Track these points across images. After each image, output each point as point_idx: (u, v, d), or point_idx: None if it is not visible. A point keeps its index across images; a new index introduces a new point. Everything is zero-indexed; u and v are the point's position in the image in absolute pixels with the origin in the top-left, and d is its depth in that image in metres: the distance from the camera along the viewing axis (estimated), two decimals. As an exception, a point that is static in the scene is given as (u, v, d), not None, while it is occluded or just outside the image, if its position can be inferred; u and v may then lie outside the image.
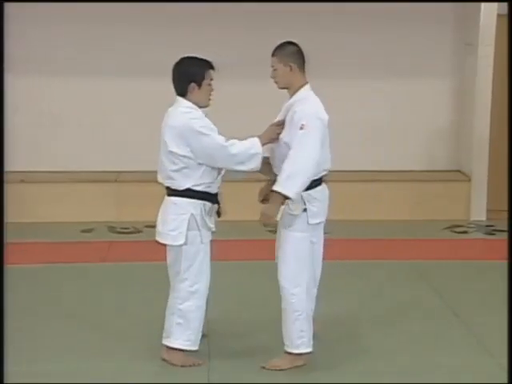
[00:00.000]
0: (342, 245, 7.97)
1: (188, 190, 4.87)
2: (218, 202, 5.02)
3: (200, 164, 4.85)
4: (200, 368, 5.03)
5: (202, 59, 4.93)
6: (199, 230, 4.91)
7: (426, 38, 9.17)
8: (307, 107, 4.86)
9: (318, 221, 4.98)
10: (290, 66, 4.92)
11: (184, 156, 4.81)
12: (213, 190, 4.96)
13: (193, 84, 4.86)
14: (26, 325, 5.76)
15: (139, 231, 8.27)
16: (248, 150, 4.87)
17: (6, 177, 8.05)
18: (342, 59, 9.04)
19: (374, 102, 9.21)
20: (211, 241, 5.04)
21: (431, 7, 8.98)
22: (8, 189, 8.64)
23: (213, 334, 5.54)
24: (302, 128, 4.78)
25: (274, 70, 4.96)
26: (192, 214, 4.88)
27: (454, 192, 9.06)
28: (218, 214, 5.05)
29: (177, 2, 8.69)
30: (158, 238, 5.02)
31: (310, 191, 4.90)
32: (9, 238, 7.96)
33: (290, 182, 4.77)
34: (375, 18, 9.03)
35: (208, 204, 4.94)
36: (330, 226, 8.26)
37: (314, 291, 5.22)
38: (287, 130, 4.89)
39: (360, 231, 8.45)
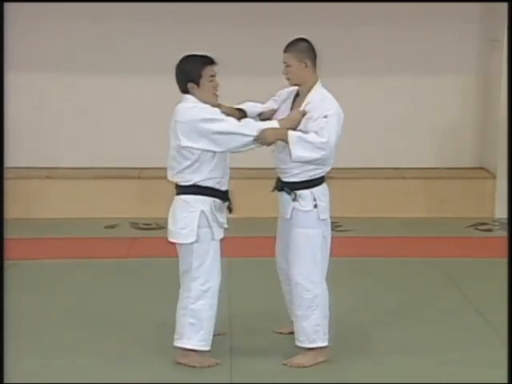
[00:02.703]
0: (365, 242, 7.98)
1: (197, 186, 4.84)
2: (228, 199, 4.98)
3: (212, 156, 4.81)
4: (222, 368, 5.00)
5: (199, 56, 4.87)
6: (210, 227, 4.87)
7: (452, 34, 9.12)
8: (331, 104, 4.90)
9: (327, 216, 5.02)
10: (306, 63, 4.92)
11: (198, 148, 4.77)
12: (222, 187, 4.92)
13: (191, 84, 4.82)
14: (39, 320, 5.80)
15: (162, 227, 8.24)
16: (261, 126, 4.84)
17: (26, 174, 8.09)
18: (365, 57, 9.00)
19: (398, 98, 9.17)
20: (222, 239, 5.00)
21: (456, 4, 8.92)
22: (33, 185, 8.75)
23: (234, 331, 5.54)
24: (326, 117, 4.81)
25: (288, 66, 4.94)
26: (202, 211, 4.84)
27: (478, 189, 9.01)
28: (230, 209, 5.00)
29: (180, 2, 8.73)
30: (169, 238, 4.99)
31: (318, 187, 4.97)
32: (31, 234, 8.07)
33: (304, 145, 4.77)
34: (400, 15, 8.99)
35: (218, 201, 4.90)
36: (353, 224, 8.37)
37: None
38: (304, 125, 4.88)
39: (383, 229, 8.42)
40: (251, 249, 7.55)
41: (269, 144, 4.86)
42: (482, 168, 9.33)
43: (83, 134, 9.16)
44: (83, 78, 9.02)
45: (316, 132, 4.81)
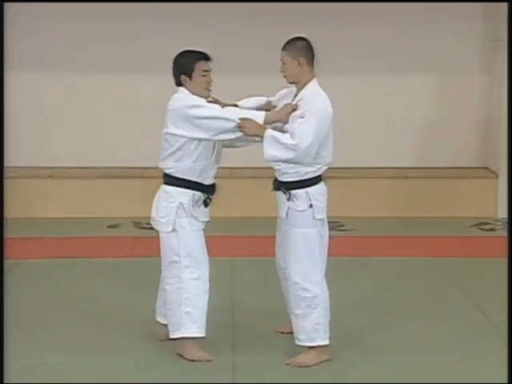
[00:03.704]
0: (367, 242, 7.97)
1: (178, 178, 4.95)
2: (211, 193, 5.06)
3: (196, 147, 4.90)
4: (225, 367, 4.99)
5: (193, 51, 5.00)
6: (188, 217, 4.98)
7: (454, 33, 9.12)
8: (316, 102, 4.91)
9: (323, 215, 5.02)
10: (299, 61, 4.95)
11: (183, 135, 4.88)
12: (205, 181, 5.01)
13: (183, 76, 4.95)
14: (39, 319, 5.79)
15: (165, 227, 8.26)
16: (244, 115, 4.89)
17: (29, 173, 8.10)
18: (368, 56, 9.00)
19: (401, 97, 9.16)
20: (210, 237, 5.09)
21: (458, 3, 8.91)
22: (35, 184, 8.75)
23: (236, 331, 5.54)
24: (302, 117, 4.83)
25: (283, 63, 4.99)
26: (181, 203, 4.96)
27: (481, 189, 9.00)
28: (205, 204, 5.06)
29: (179, 2, 8.74)
30: (152, 223, 5.15)
31: (314, 187, 4.97)
32: (33, 233, 8.08)
33: (276, 145, 4.81)
34: (401, 14, 8.99)
35: (198, 194, 5.00)
36: (355, 224, 8.36)
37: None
38: (290, 123, 4.90)
39: (385, 228, 8.42)
40: (252, 248, 7.55)
41: (247, 135, 4.91)
42: (484, 167, 9.32)
43: (85, 133, 9.16)
44: (83, 77, 9.03)
45: (292, 133, 4.84)
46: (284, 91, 5.19)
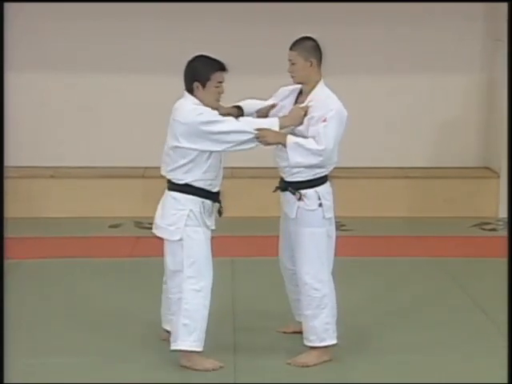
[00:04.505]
0: (368, 242, 7.97)
1: (188, 185, 4.83)
2: (218, 201, 4.97)
3: (207, 158, 4.81)
4: (226, 367, 4.97)
5: (212, 60, 4.87)
6: (199, 226, 4.86)
7: (455, 33, 9.11)
8: (333, 104, 4.89)
9: (331, 215, 5.03)
10: (311, 62, 4.92)
11: (197, 149, 4.77)
12: (214, 188, 4.91)
13: (196, 83, 4.82)
14: (39, 319, 5.79)
15: (165, 227, 8.25)
16: (261, 125, 4.84)
17: (30, 173, 8.11)
18: (368, 56, 9.00)
19: (402, 97, 9.16)
20: (212, 238, 4.99)
21: (459, 3, 8.91)
22: (37, 183, 8.75)
23: (237, 331, 5.54)
24: (325, 120, 4.80)
25: (293, 64, 4.95)
26: (191, 210, 4.84)
27: (482, 189, 9.00)
28: (219, 212, 4.99)
29: (180, 2, 8.75)
30: (155, 231, 5.01)
31: (322, 186, 4.97)
32: (35, 233, 8.08)
33: (301, 151, 4.79)
34: (401, 14, 8.98)
35: (208, 202, 4.90)
36: (356, 224, 8.36)
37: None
38: (305, 126, 4.89)
39: (386, 228, 8.41)
40: (254, 248, 7.55)
41: (268, 144, 4.86)
42: (485, 167, 9.32)
43: (85, 133, 9.17)
44: (83, 77, 9.03)
45: (314, 137, 4.82)
46: (287, 91, 5.15)
